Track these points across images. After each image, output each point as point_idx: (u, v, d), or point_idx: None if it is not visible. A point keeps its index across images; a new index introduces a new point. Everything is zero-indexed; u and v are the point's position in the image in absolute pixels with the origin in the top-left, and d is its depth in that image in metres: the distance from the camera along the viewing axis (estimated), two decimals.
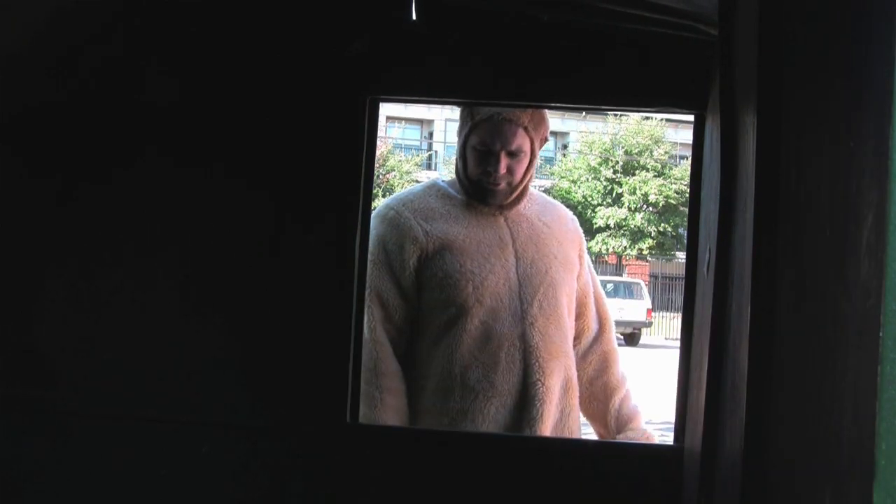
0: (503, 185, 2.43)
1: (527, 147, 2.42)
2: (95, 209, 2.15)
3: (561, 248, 2.52)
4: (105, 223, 2.15)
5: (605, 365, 2.61)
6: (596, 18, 2.02)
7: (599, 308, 2.63)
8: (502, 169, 2.40)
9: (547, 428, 2.39)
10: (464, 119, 2.45)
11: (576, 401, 2.47)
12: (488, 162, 2.40)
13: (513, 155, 2.41)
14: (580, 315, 2.58)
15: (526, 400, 2.38)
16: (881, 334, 0.78)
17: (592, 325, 2.61)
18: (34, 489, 2.12)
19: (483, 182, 2.43)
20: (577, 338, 2.55)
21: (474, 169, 2.43)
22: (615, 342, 2.67)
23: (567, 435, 2.44)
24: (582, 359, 2.55)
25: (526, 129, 2.40)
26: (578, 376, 2.53)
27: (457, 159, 2.50)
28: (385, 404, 2.34)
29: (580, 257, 2.59)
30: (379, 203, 2.61)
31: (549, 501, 2.07)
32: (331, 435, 2.09)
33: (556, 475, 2.08)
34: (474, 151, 2.42)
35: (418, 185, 2.64)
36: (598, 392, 2.58)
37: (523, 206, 2.51)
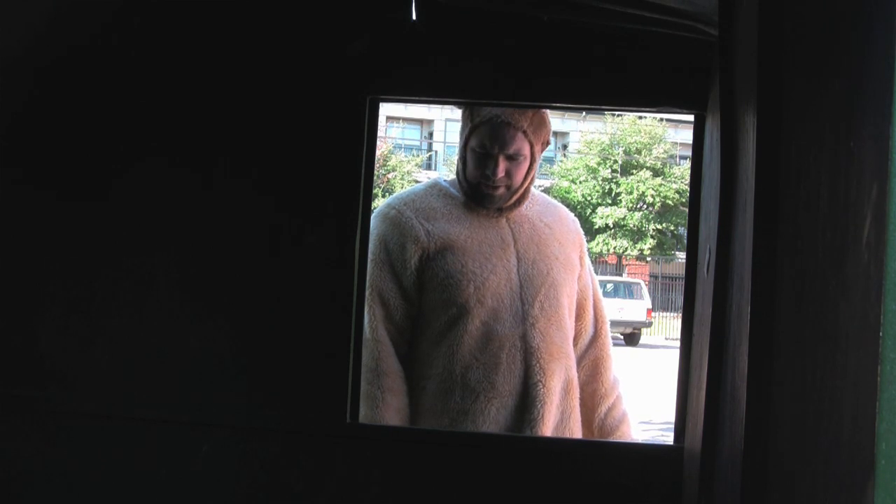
0: (502, 189, 2.42)
1: (526, 151, 2.41)
2: (95, 210, 2.15)
3: (562, 249, 2.52)
4: (105, 224, 2.15)
5: (597, 371, 2.59)
6: (596, 18, 2.01)
7: (597, 311, 2.62)
8: (500, 172, 2.39)
9: (548, 429, 2.39)
10: (464, 121, 2.44)
11: (576, 402, 2.47)
12: (486, 165, 2.39)
13: (511, 158, 2.40)
14: (579, 317, 2.57)
15: (527, 401, 2.38)
16: (881, 334, 0.78)
17: (589, 329, 2.60)
18: (34, 489, 2.12)
19: (482, 185, 2.42)
20: (574, 340, 2.55)
21: (473, 171, 2.42)
22: (610, 347, 2.66)
23: (568, 436, 2.43)
24: (576, 362, 2.54)
25: (525, 132, 2.39)
26: None
27: (458, 161, 2.50)
28: (387, 404, 2.34)
29: (581, 258, 2.59)
30: (379, 203, 2.61)
31: (550, 501, 2.06)
32: (331, 435, 2.09)
33: (557, 475, 2.08)
34: (473, 153, 2.41)
35: (420, 184, 2.63)
36: (586, 398, 2.57)
37: (525, 206, 2.51)
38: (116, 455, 2.11)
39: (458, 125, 2.51)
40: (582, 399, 2.53)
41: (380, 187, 24.85)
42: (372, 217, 2.43)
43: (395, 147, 29.35)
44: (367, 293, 2.31)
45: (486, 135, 2.38)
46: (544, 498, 2.07)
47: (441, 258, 2.39)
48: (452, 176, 2.58)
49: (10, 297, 2.15)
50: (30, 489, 2.12)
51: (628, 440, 2.62)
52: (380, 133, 2.30)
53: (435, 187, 2.53)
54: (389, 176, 26.58)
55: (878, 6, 0.86)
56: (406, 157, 29.13)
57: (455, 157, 2.52)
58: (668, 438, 2.22)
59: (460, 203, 2.48)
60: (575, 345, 2.54)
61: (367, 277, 2.31)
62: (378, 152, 2.25)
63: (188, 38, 2.16)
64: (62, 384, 2.13)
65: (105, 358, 2.12)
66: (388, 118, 30.70)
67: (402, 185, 25.67)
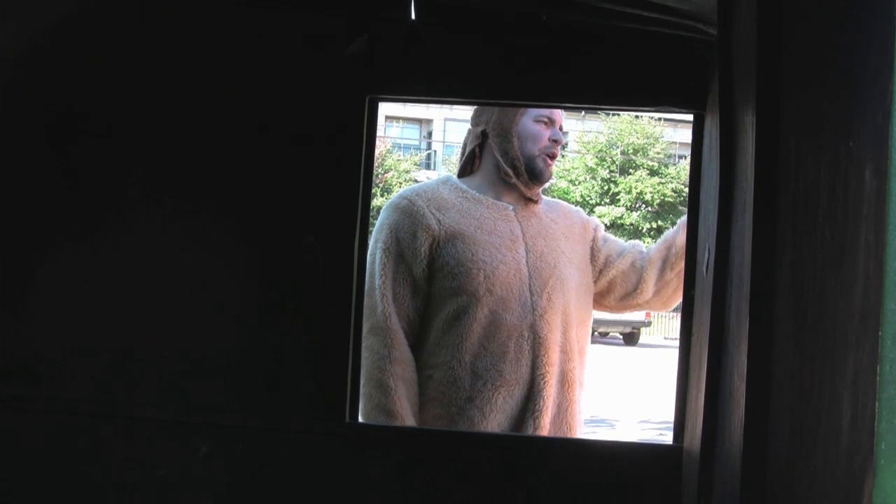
0: (555, 158, 2.58)
1: None
2: (92, 209, 2.15)
3: (568, 243, 2.57)
4: (102, 222, 2.14)
5: (634, 256, 2.64)
6: (595, 18, 2.02)
7: (624, 248, 2.69)
8: (561, 134, 2.57)
9: (547, 420, 2.42)
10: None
11: (574, 395, 2.49)
12: (551, 128, 2.54)
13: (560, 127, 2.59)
14: (614, 270, 2.63)
15: (532, 391, 2.41)
16: (880, 334, 0.78)
17: (626, 268, 2.64)
18: (31, 489, 2.12)
19: (541, 157, 2.53)
20: (612, 286, 2.63)
21: (532, 143, 2.52)
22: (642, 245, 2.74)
23: (565, 429, 2.46)
24: (627, 270, 2.61)
25: None
26: (628, 277, 2.61)
27: (503, 145, 2.53)
28: (399, 394, 2.35)
29: (593, 241, 2.64)
30: (378, 202, 2.64)
31: (549, 501, 2.07)
32: (330, 434, 2.09)
33: (557, 475, 2.08)
34: (531, 126, 2.52)
35: (431, 179, 2.70)
36: (655, 258, 2.61)
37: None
38: (115, 455, 2.11)
39: (491, 116, 2.55)
40: (652, 260, 2.61)
41: (378, 187, 24.86)
42: (383, 209, 2.49)
43: (393, 146, 29.36)
44: (378, 282, 2.36)
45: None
46: (543, 496, 2.07)
47: (452, 247, 2.42)
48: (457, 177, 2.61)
49: (7, 296, 2.15)
50: (27, 489, 2.12)
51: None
52: (379, 132, 2.31)
53: (447, 183, 2.58)
54: (387, 176, 26.58)
55: (877, 6, 0.86)
56: (403, 156, 29.14)
57: (502, 143, 2.54)
58: (667, 438, 2.23)
59: (472, 198, 2.53)
60: (618, 290, 2.62)
61: (378, 267, 2.35)
62: (376, 152, 2.26)
63: (188, 34, 2.16)
64: (60, 384, 2.13)
65: (102, 357, 2.12)
66: (387, 117, 30.72)
67: (401, 184, 25.67)
